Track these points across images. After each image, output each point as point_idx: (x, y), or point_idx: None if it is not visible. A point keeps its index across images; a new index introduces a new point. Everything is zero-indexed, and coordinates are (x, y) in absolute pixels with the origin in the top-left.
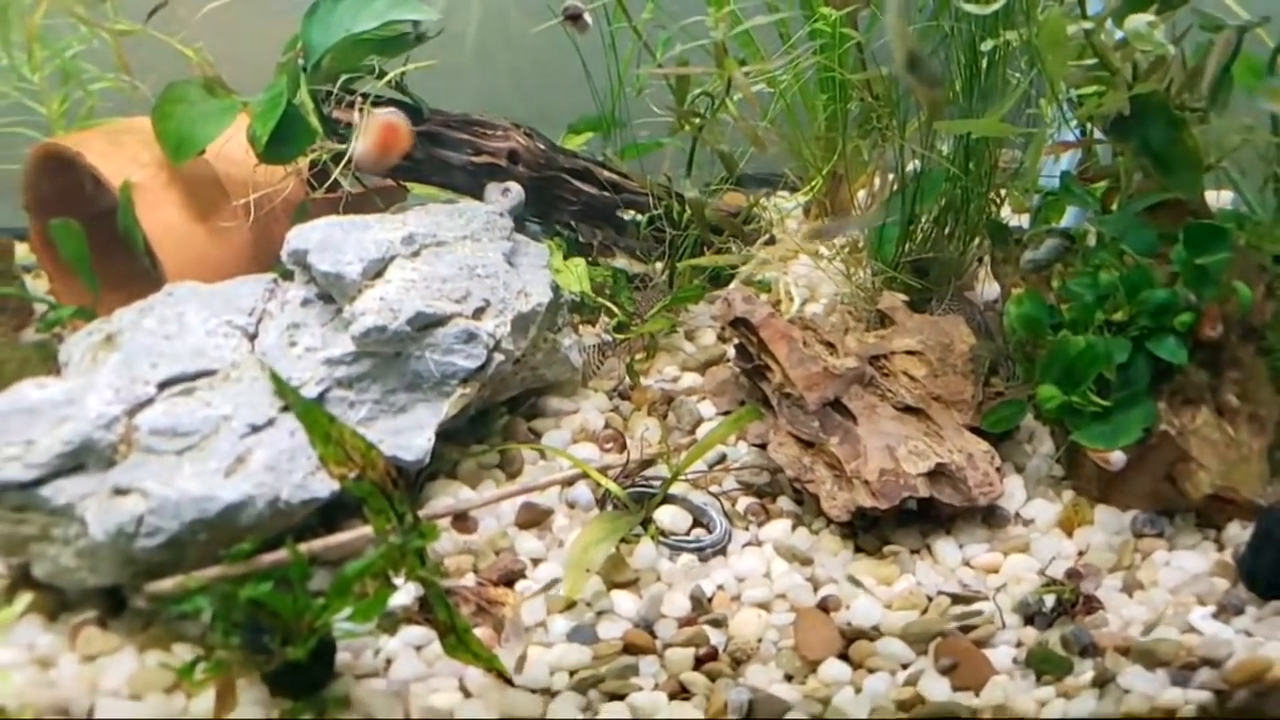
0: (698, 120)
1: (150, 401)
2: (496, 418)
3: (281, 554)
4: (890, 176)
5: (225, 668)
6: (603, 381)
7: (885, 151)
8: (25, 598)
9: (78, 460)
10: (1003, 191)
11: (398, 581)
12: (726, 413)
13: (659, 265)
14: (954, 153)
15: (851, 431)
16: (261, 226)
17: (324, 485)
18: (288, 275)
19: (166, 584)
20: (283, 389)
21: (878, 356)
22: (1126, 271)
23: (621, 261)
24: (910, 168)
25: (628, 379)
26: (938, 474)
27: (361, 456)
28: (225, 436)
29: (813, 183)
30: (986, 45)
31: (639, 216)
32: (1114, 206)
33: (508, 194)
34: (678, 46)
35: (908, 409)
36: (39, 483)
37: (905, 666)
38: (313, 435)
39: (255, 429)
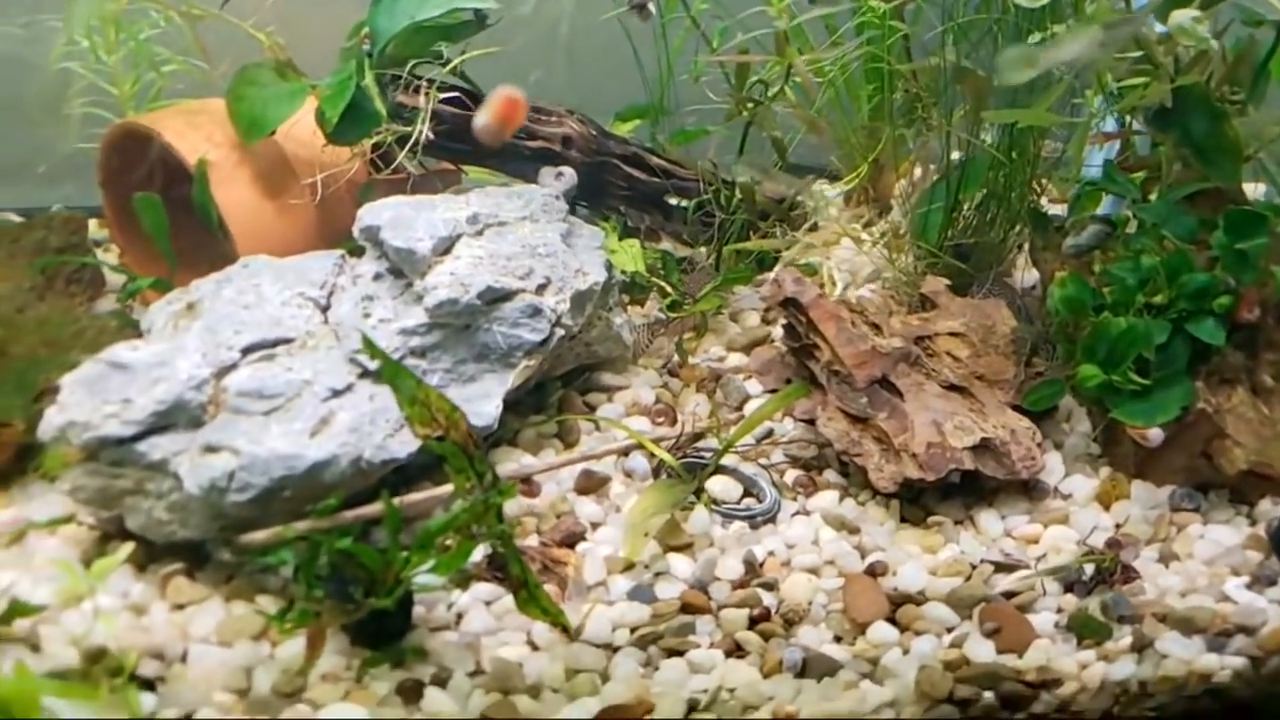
0: (755, 106)
1: (234, 366)
2: (553, 390)
3: (363, 509)
4: (931, 165)
5: (314, 617)
6: (651, 359)
7: (928, 140)
8: (126, 547)
9: (170, 419)
10: (1044, 180)
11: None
12: (772, 390)
13: (703, 249)
14: (998, 142)
15: (899, 408)
16: (325, 205)
17: (402, 447)
18: (354, 252)
19: (259, 536)
20: (374, 352)
21: (922, 337)
22: (1167, 256)
23: (666, 245)
24: (952, 156)
25: (676, 357)
26: (982, 448)
27: (445, 418)
28: (308, 399)
29: (857, 171)
30: (1035, 38)
31: (684, 202)
32: (1152, 195)
33: (561, 178)
34: (738, 36)
35: (952, 387)
36: (135, 439)
37: (950, 630)
38: (400, 396)
39: (336, 393)
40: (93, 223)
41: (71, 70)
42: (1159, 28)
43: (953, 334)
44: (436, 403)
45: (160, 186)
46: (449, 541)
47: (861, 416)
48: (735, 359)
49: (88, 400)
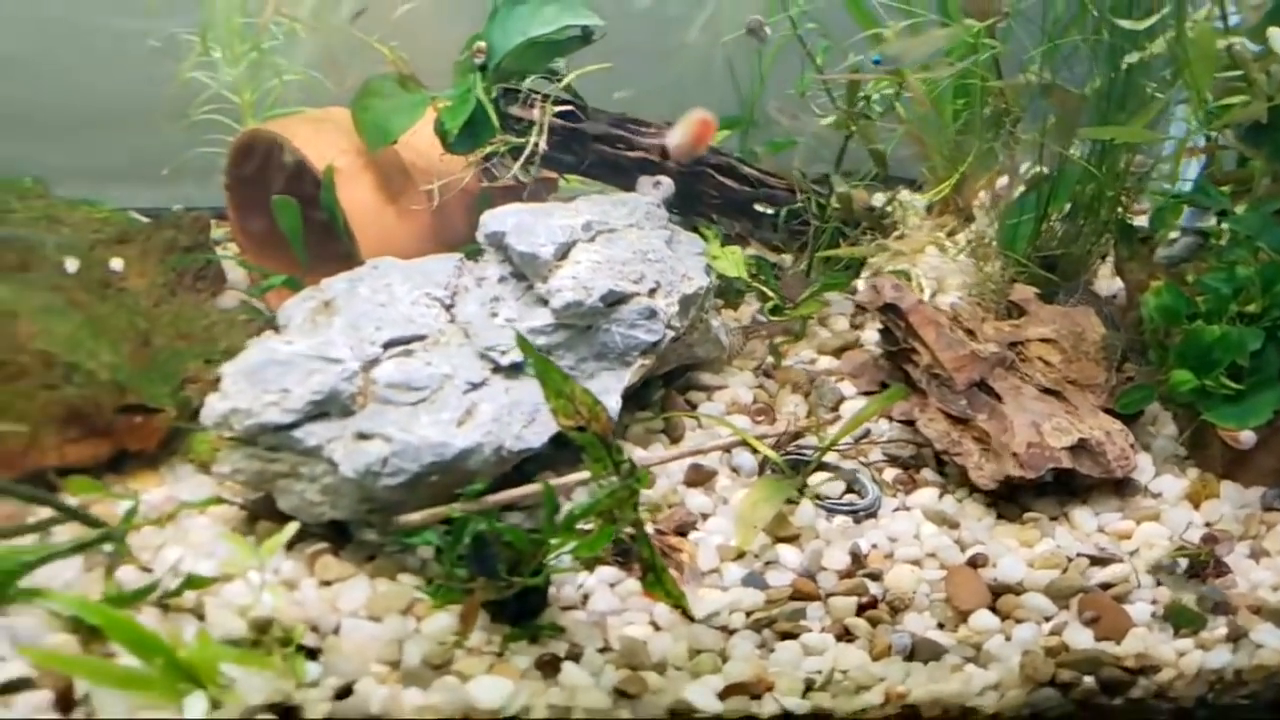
0: (864, 120)
1: (378, 360)
2: (656, 388)
3: (503, 494)
4: (1016, 177)
5: (466, 593)
6: (745, 361)
7: (1015, 154)
8: (291, 526)
9: (324, 408)
10: (1131, 193)
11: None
12: (866, 393)
13: (788, 256)
14: (1088, 156)
15: (997, 409)
16: (439, 211)
17: (536, 437)
18: (471, 255)
19: (415, 517)
20: (526, 349)
21: (1014, 343)
22: (1261, 267)
23: (752, 251)
24: (1036, 170)
25: (770, 359)
26: (1079, 448)
27: (588, 411)
28: (450, 392)
29: (945, 182)
30: (1133, 57)
31: (769, 209)
32: (1240, 208)
33: (659, 186)
34: (850, 56)
35: (1047, 391)
36: (293, 426)
37: (1048, 619)
38: (547, 390)
39: (474, 386)
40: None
41: (196, 79)
42: (1253, 47)
43: (1044, 340)
44: (580, 396)
45: (279, 190)
46: (588, 526)
47: (962, 418)
48: (826, 362)
49: (249, 389)
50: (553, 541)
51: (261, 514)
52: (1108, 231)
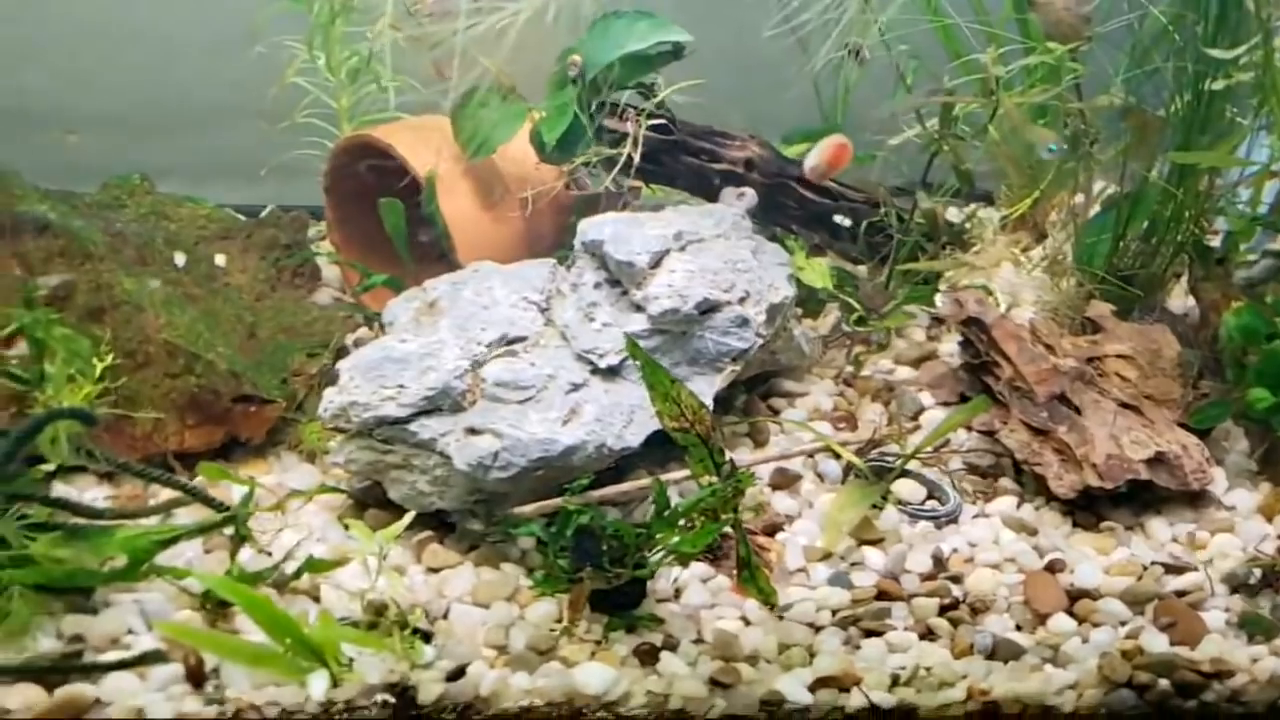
0: (956, 140)
1: (484, 360)
2: (739, 394)
3: (608, 490)
4: (1091, 196)
5: (575, 582)
6: (825, 369)
7: (1092, 174)
8: (409, 515)
9: (436, 403)
10: (1208, 214)
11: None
12: (945, 404)
13: (864, 269)
14: (1168, 177)
15: (1077, 422)
16: (530, 218)
17: (635, 436)
18: (562, 261)
19: (526, 509)
20: (636, 352)
21: (1092, 359)
22: None
23: (828, 263)
24: (1113, 190)
25: (849, 368)
26: (1157, 461)
27: (693, 413)
28: (554, 392)
29: (1024, 200)
30: (1218, 84)
31: (847, 222)
32: None
33: (742, 198)
34: (947, 78)
35: (1124, 405)
36: (408, 420)
37: (1124, 623)
38: (654, 392)
39: (575, 387)
40: None
41: (297, 85)
42: None
43: (1121, 356)
44: (686, 399)
45: (378, 193)
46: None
47: (1042, 429)
48: (903, 373)
49: (366, 384)
50: (658, 536)
51: (369, 502)
52: (1183, 251)
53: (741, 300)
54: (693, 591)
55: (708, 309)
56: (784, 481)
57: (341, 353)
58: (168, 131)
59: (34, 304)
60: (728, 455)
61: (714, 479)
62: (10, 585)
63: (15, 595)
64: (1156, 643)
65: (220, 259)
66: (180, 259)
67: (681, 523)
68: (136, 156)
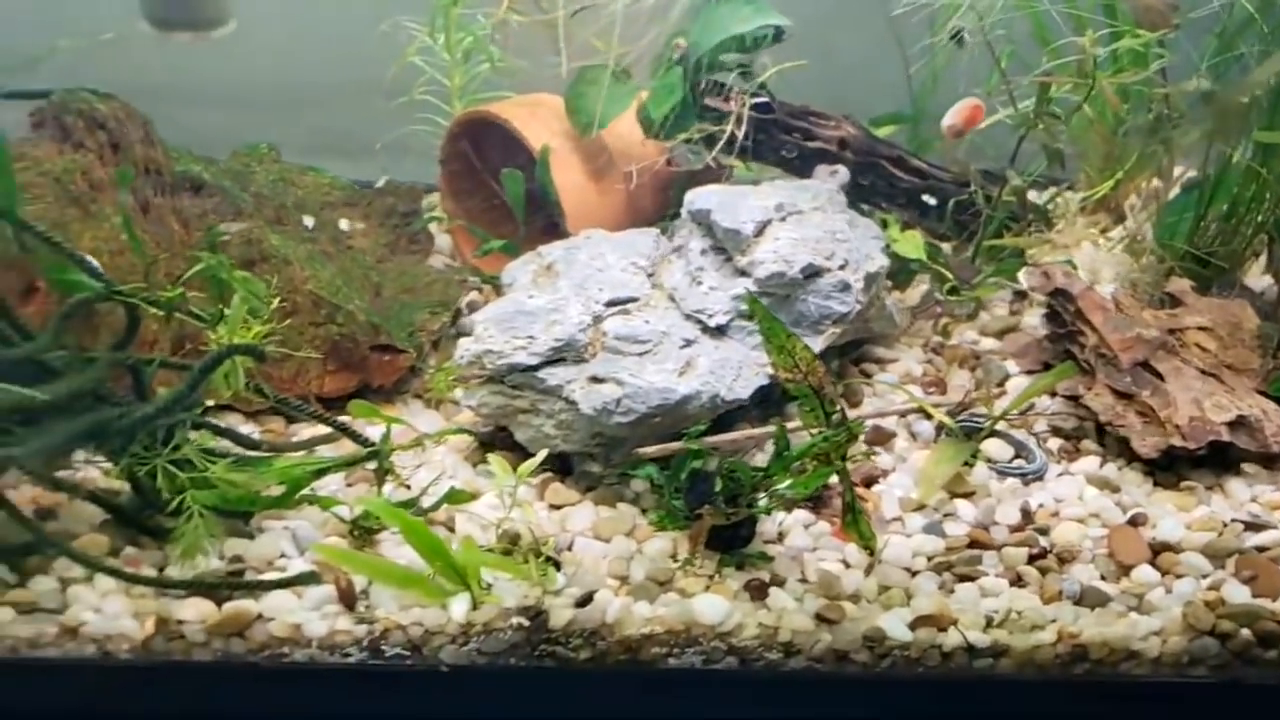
0: (1051, 119)
1: (602, 316)
2: (832, 358)
3: (720, 436)
4: (1171, 178)
5: (695, 519)
6: (913, 339)
7: (1173, 157)
8: (541, 453)
9: (562, 354)
10: None
11: None
12: (1029, 371)
13: (949, 245)
14: (1251, 158)
15: (1160, 387)
16: (632, 191)
17: (745, 389)
18: (664, 230)
19: (649, 450)
20: (755, 307)
21: (1172, 330)
22: None
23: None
24: (1192, 172)
25: (938, 337)
26: (1238, 424)
27: (806, 365)
28: (668, 347)
29: (1107, 179)
30: None
31: (933, 200)
32: None
33: (835, 175)
34: (1044, 61)
35: (1204, 372)
36: (537, 367)
37: (1205, 576)
38: (771, 344)
39: (688, 343)
40: None
41: (412, 64)
42: None
43: (1201, 328)
44: (800, 352)
45: (492, 165)
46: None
47: (1127, 393)
48: (988, 343)
49: (499, 334)
50: (775, 476)
51: (494, 445)
52: (1264, 231)
53: (841, 268)
54: (795, 535)
55: (811, 273)
56: (879, 439)
57: (458, 313)
58: (278, 108)
59: (217, 249)
60: (838, 406)
61: (824, 429)
62: (191, 506)
63: (195, 515)
64: (1238, 594)
65: (344, 224)
66: (309, 221)
67: (793, 467)
68: (249, 132)
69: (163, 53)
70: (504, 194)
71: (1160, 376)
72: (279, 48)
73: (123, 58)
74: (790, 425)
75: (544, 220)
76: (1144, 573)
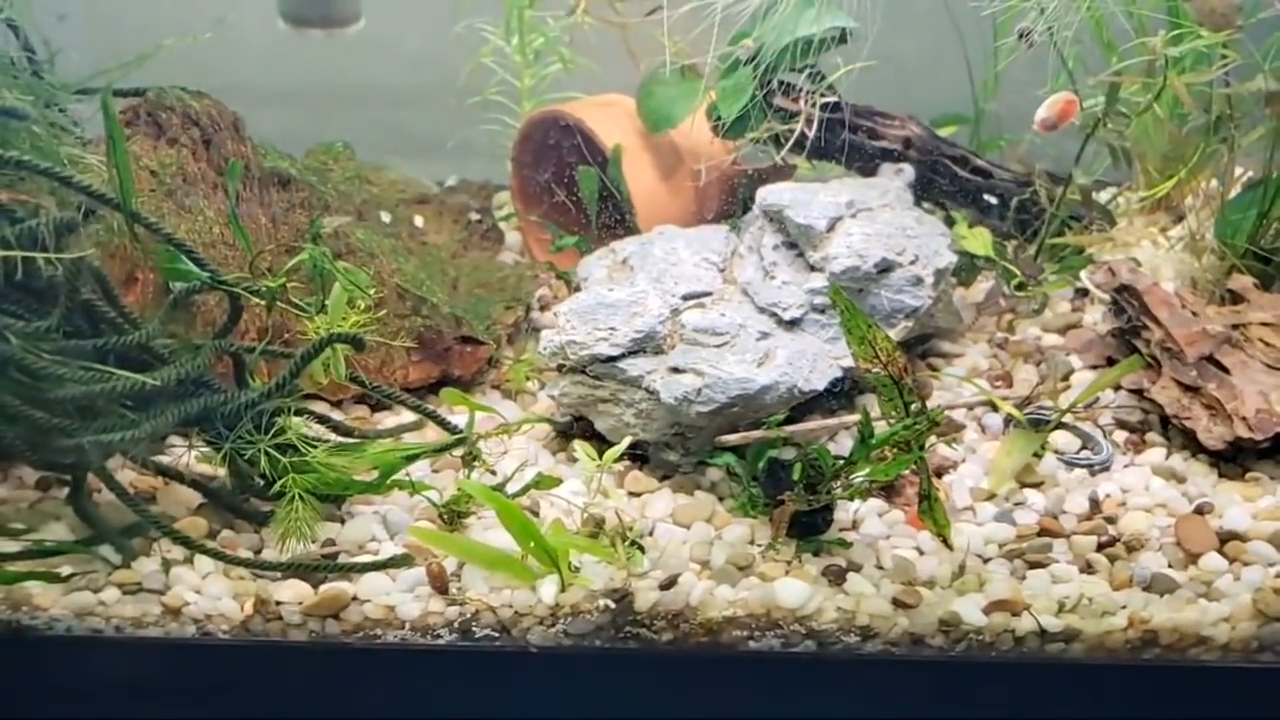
0: (1121, 118)
1: (679, 310)
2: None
3: (797, 426)
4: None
5: (758, 508)
6: (977, 334)
7: (1235, 157)
8: (625, 440)
9: (642, 345)
10: None
11: None
12: (1093, 366)
13: (1010, 243)
14: None
15: (1226, 380)
16: (699, 189)
17: (821, 380)
18: (733, 227)
19: (731, 438)
20: (838, 297)
21: (1236, 325)
22: None
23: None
24: (1249, 174)
25: (1001, 333)
26: None
27: (887, 355)
28: (745, 339)
29: (1168, 181)
30: None
31: (992, 199)
32: None
33: (901, 173)
34: (1115, 61)
35: (1269, 366)
36: (619, 358)
37: (1272, 564)
38: (851, 334)
39: (764, 335)
40: None
41: (482, 65)
42: None
43: (1265, 324)
44: (881, 342)
45: (562, 164)
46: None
47: (1193, 386)
48: (1050, 339)
49: (582, 326)
50: (858, 463)
51: (571, 434)
52: None
53: (912, 263)
54: (870, 523)
55: (884, 268)
56: (948, 430)
57: (528, 307)
58: (348, 108)
59: (320, 240)
60: (917, 395)
61: (903, 418)
62: (292, 490)
63: (296, 499)
64: None
65: (419, 220)
66: (386, 218)
67: (872, 455)
68: (316, 130)
69: (241, 53)
70: (572, 194)
71: (1226, 370)
72: (352, 50)
73: (214, 58)
74: (849, 419)
75: (613, 218)
76: (1212, 560)
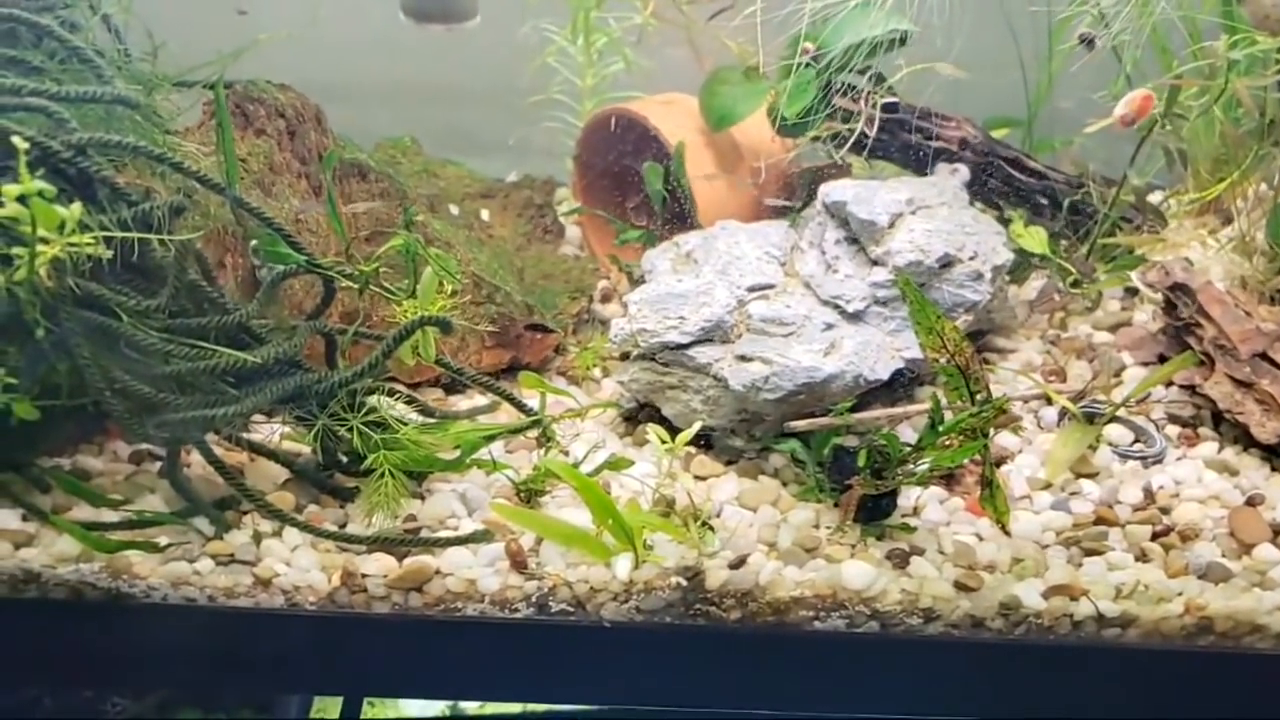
0: (1179, 120)
1: (744, 300)
2: None
3: (864, 414)
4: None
5: (824, 492)
6: (1030, 331)
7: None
8: (696, 425)
9: (710, 334)
10: None
11: None
12: (1144, 363)
13: (1063, 243)
14: None
15: (1279, 376)
16: (760, 186)
17: (885, 370)
18: (792, 223)
19: (799, 425)
20: (908, 288)
21: None
22: None
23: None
24: None
25: (1054, 330)
26: None
27: (954, 346)
28: (810, 329)
29: (1220, 184)
30: None
31: (1043, 199)
32: None
33: (956, 173)
34: (1173, 65)
35: None
36: (688, 346)
37: None
38: (920, 325)
39: (829, 326)
40: None
41: (546, 65)
42: None
43: None
44: (949, 333)
45: (623, 160)
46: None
47: (1246, 382)
48: (1101, 336)
49: (652, 314)
50: (927, 448)
51: (638, 419)
52: None
53: (971, 258)
54: (931, 510)
55: (946, 263)
56: (1005, 421)
57: (590, 298)
58: (407, 105)
59: (411, 227)
60: (983, 384)
61: (969, 406)
62: (383, 466)
63: (386, 474)
64: None
65: (485, 213)
66: (454, 210)
67: (938, 442)
68: (381, 127)
69: (310, 51)
70: (631, 190)
71: (1278, 366)
72: (415, 48)
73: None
74: (915, 408)
75: (675, 212)
76: (1265, 551)
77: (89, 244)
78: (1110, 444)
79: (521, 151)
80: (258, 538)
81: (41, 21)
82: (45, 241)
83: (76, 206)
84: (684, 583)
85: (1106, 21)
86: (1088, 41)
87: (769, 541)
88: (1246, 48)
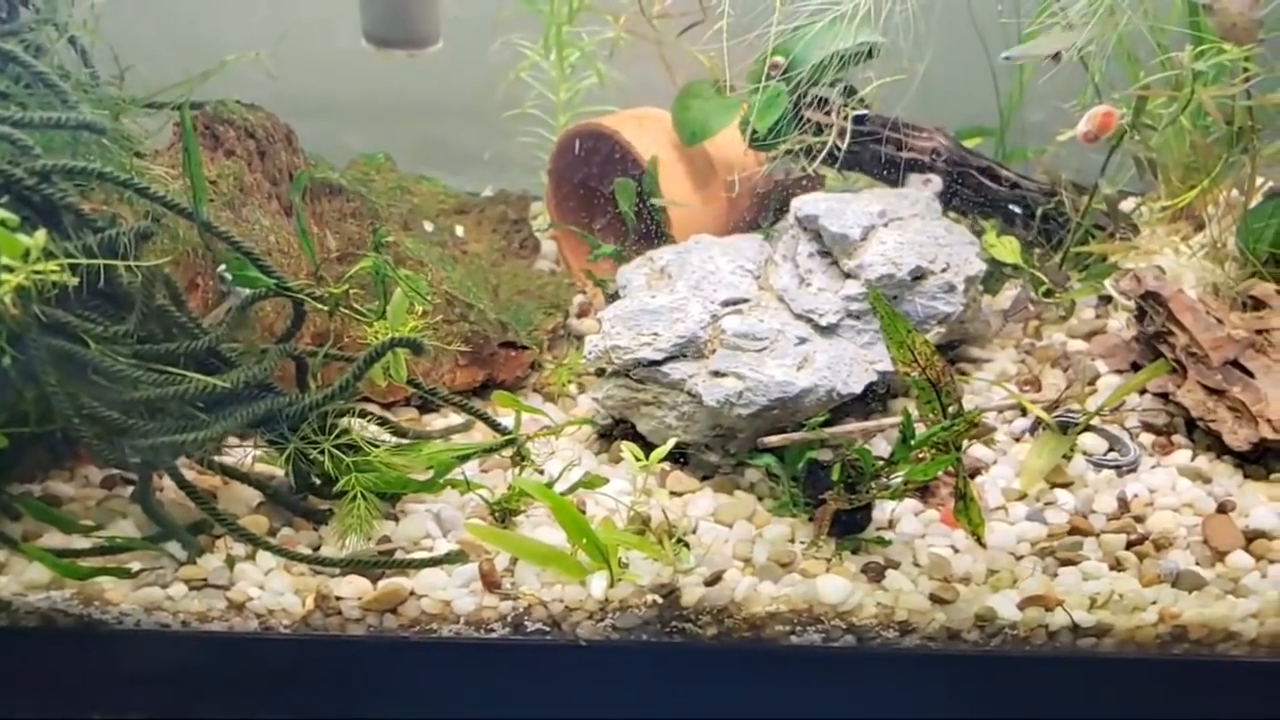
0: (1148, 130)
1: (718, 316)
2: None
3: (837, 428)
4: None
5: (798, 507)
6: (1005, 340)
7: (1256, 167)
8: (671, 441)
9: (684, 350)
10: None
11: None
12: (1118, 371)
13: (1034, 252)
14: None
15: (1251, 384)
16: (733, 199)
17: (858, 383)
18: (766, 236)
19: (772, 440)
20: (878, 302)
21: (1259, 331)
22: None
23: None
24: (1269, 184)
25: (1028, 339)
26: None
27: (925, 359)
28: (783, 344)
29: (1190, 191)
30: None
31: (1017, 209)
32: None
33: (929, 184)
34: (1139, 75)
35: None
36: (662, 363)
37: None
38: (891, 338)
39: (802, 340)
40: None
41: (520, 80)
42: None
43: None
44: (920, 347)
45: (593, 177)
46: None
47: (1218, 389)
48: (1075, 345)
49: (625, 331)
50: (899, 462)
51: (613, 436)
52: None
53: (943, 270)
54: (906, 523)
55: (918, 275)
56: (980, 433)
57: (566, 314)
58: (381, 121)
59: (382, 248)
60: (955, 398)
61: (941, 420)
62: (354, 488)
63: (358, 497)
64: None
65: (460, 229)
66: (429, 227)
67: (911, 456)
68: (354, 143)
69: (282, 68)
70: (605, 205)
71: (1250, 374)
72: (388, 65)
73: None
74: (888, 421)
75: (649, 227)
76: (1238, 558)
77: (54, 271)
78: (1085, 453)
79: (497, 166)
80: (231, 562)
81: (4, 46)
82: (9, 270)
83: (41, 234)
84: (660, 600)
85: (1075, 34)
86: (1056, 56)
87: (744, 557)
88: (1213, 58)
